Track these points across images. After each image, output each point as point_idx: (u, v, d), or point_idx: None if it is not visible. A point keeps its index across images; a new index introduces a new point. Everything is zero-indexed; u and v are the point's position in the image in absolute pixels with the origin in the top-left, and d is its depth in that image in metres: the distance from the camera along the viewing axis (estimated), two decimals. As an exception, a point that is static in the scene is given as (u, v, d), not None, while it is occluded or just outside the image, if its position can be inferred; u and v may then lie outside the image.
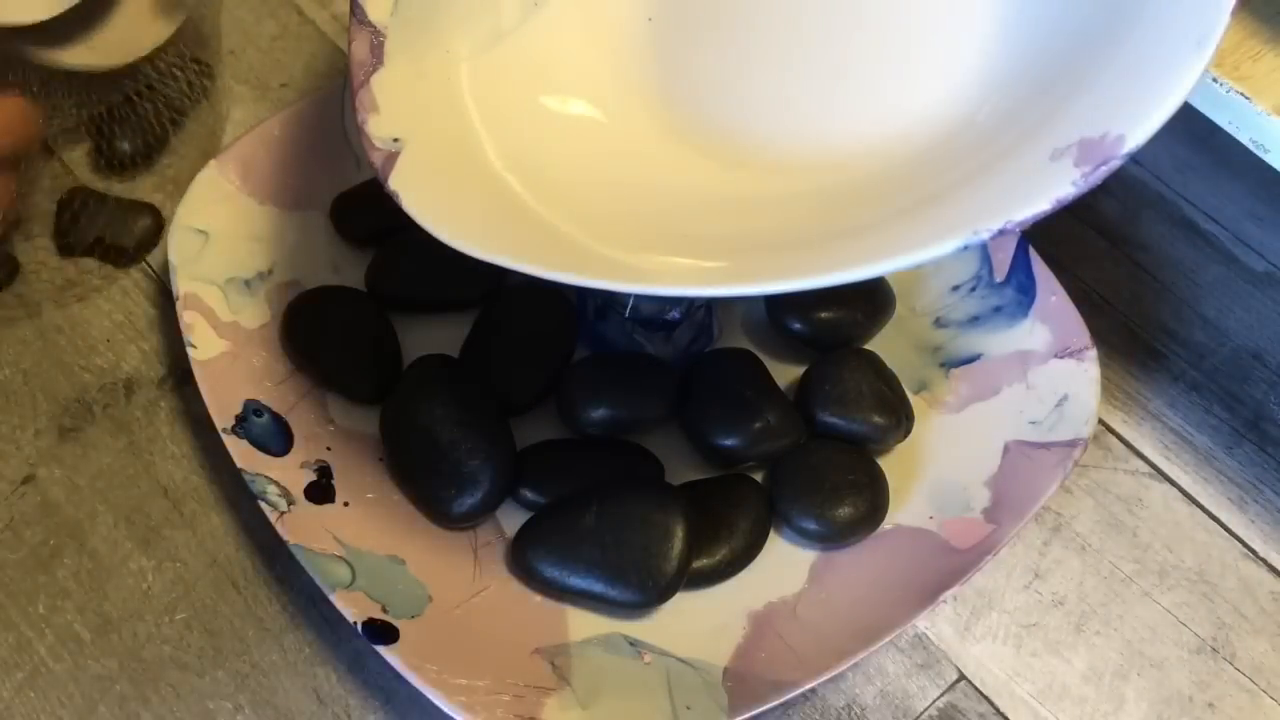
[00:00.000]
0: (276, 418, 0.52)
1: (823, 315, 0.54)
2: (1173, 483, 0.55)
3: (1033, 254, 0.55)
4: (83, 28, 0.55)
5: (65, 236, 0.57)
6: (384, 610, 0.47)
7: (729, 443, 0.51)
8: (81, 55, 0.55)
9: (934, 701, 0.50)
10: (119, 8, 0.56)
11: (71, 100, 0.58)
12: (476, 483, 0.49)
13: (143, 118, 0.59)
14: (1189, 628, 0.52)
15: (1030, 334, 0.54)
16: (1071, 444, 0.51)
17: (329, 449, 0.52)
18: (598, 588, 0.48)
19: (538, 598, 0.49)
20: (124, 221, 0.57)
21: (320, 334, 0.53)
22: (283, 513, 0.49)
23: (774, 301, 0.54)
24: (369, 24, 0.48)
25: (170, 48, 0.58)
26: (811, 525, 0.50)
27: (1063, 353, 0.53)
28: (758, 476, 0.52)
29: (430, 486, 0.50)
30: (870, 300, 0.55)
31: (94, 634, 0.50)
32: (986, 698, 0.50)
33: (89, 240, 0.57)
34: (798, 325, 0.54)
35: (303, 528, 0.48)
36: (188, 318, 0.52)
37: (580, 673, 0.47)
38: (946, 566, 0.49)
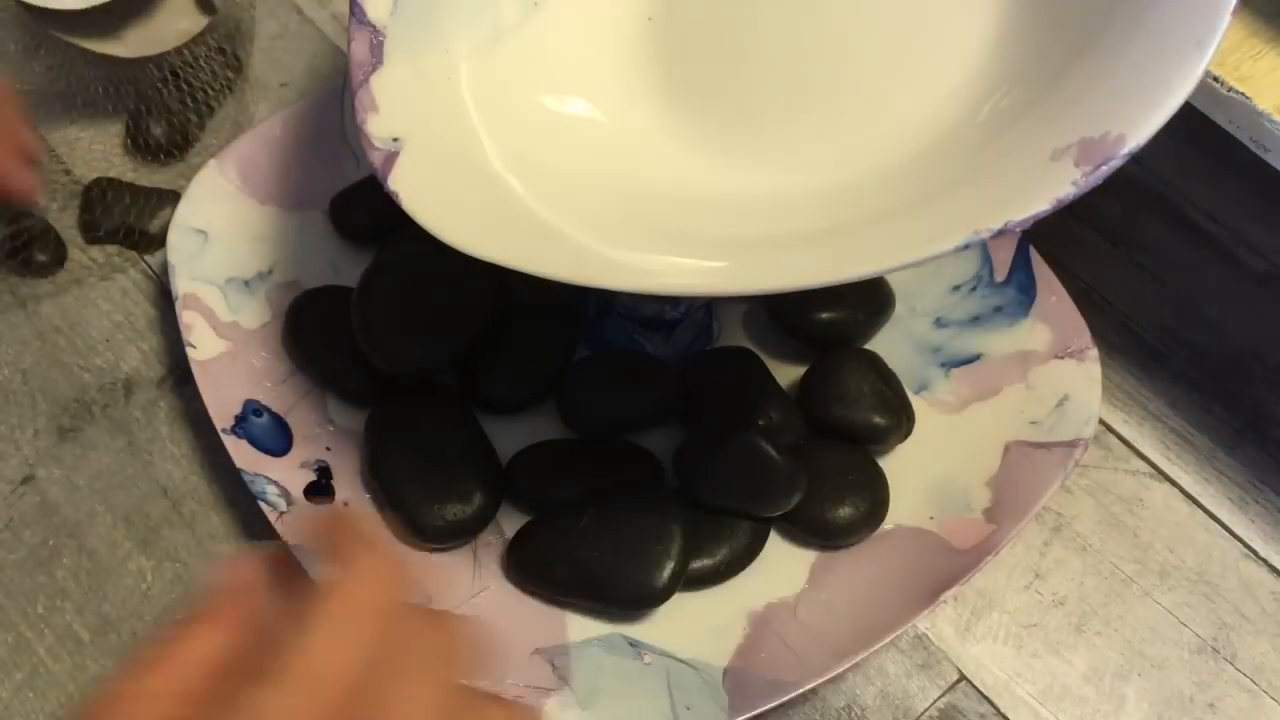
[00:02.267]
0: (276, 418, 0.51)
1: (823, 315, 0.54)
2: (1173, 483, 0.55)
3: (1033, 254, 0.55)
4: (118, 19, 0.56)
5: (90, 220, 0.58)
6: (384, 610, 0.47)
7: (729, 443, 0.51)
8: (112, 45, 0.57)
9: (934, 702, 0.50)
10: (156, 4, 0.57)
11: (98, 84, 0.59)
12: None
13: (169, 104, 0.59)
14: (1190, 628, 0.51)
15: (1030, 334, 0.54)
16: (1072, 444, 0.51)
17: (328, 449, 0.52)
18: (593, 592, 0.48)
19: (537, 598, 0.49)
20: (148, 208, 0.58)
21: (320, 334, 0.53)
22: (282, 513, 0.48)
23: (774, 301, 0.54)
24: (369, 23, 0.48)
25: (198, 38, 0.59)
26: (811, 525, 0.50)
27: (1063, 353, 0.53)
28: (758, 476, 0.52)
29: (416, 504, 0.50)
30: (870, 300, 0.55)
31: (93, 634, 0.50)
32: (987, 698, 0.50)
33: (113, 226, 0.58)
34: (798, 325, 0.54)
35: (302, 528, 0.48)
36: (187, 318, 0.52)
37: (580, 673, 0.47)
38: (947, 566, 0.49)
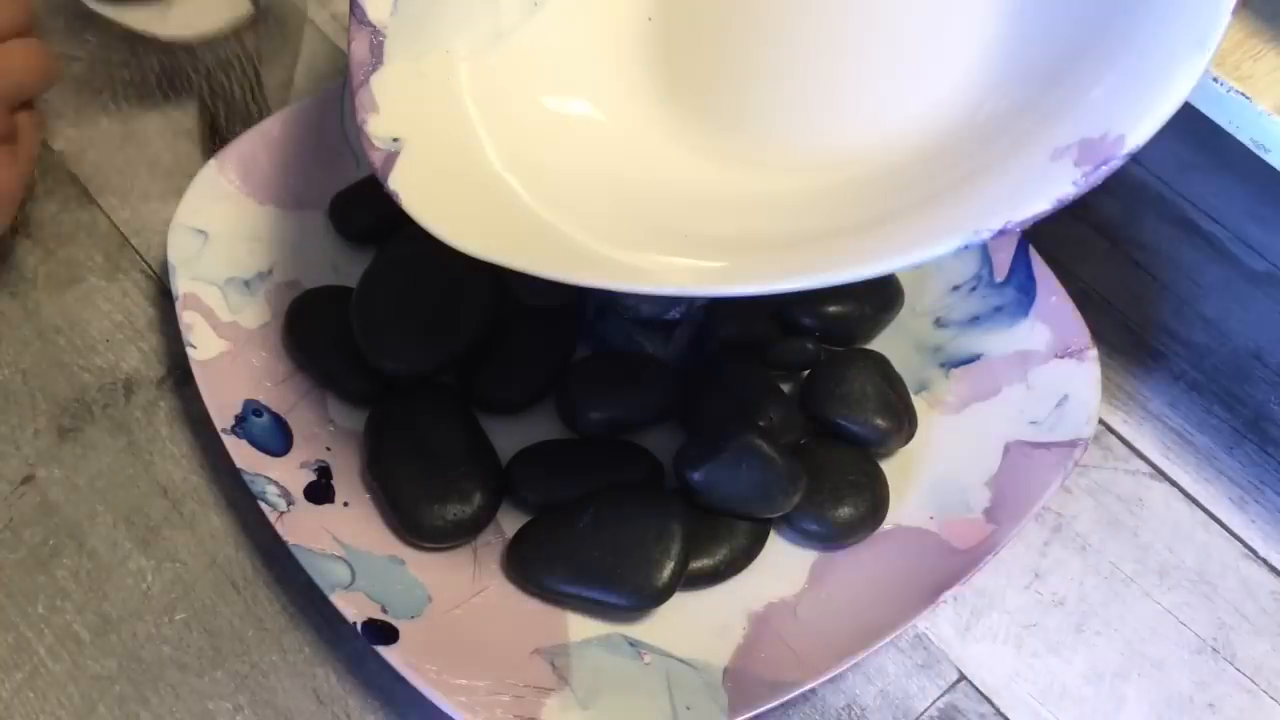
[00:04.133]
0: (276, 418, 0.52)
1: (829, 309, 0.53)
2: (1173, 483, 0.55)
3: (1033, 254, 0.55)
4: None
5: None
6: (384, 610, 0.47)
7: (729, 443, 0.51)
8: (146, 21, 0.57)
9: (934, 702, 0.50)
10: None
11: (134, 63, 0.59)
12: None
13: (203, 101, 0.60)
14: (1189, 628, 0.52)
15: (1030, 334, 0.54)
16: (1072, 444, 0.51)
17: (329, 449, 0.52)
18: (593, 592, 0.48)
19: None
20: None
21: (320, 334, 0.53)
22: (282, 513, 0.48)
23: (775, 300, 0.54)
24: (369, 24, 0.48)
25: (234, 41, 0.59)
26: (811, 525, 0.50)
27: (1063, 353, 0.53)
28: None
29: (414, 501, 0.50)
30: (878, 296, 0.54)
31: (93, 634, 0.50)
32: (987, 698, 0.50)
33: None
34: (801, 318, 0.54)
35: (302, 528, 0.48)
36: (187, 318, 0.52)
37: (580, 673, 0.47)
38: (946, 566, 0.49)
